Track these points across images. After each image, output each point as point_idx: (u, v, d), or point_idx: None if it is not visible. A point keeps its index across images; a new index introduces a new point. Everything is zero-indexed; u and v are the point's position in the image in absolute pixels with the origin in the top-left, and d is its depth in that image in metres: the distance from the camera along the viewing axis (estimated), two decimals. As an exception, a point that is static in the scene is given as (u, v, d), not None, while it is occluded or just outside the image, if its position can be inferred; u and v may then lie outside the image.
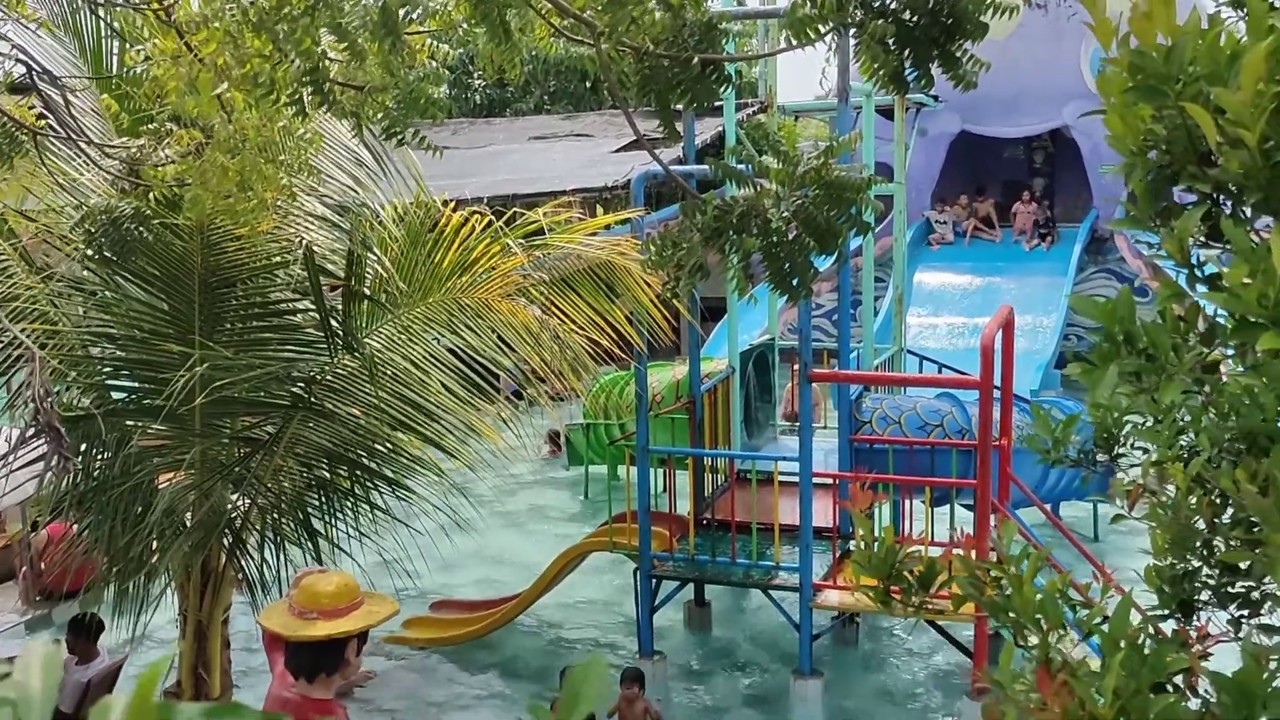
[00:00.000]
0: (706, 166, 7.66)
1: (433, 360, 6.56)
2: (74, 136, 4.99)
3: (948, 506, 9.02)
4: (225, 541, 6.63)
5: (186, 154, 4.01)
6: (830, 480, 9.32)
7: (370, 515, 6.69)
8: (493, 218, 6.57)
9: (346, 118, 3.93)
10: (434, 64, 4.30)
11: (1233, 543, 1.92)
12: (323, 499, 6.72)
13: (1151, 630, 2.09)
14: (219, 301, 6.45)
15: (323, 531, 6.69)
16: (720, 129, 14.64)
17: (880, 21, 3.68)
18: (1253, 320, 1.54)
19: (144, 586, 6.58)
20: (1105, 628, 1.82)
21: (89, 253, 5.45)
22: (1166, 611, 2.29)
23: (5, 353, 5.81)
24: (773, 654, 9.98)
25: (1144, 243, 17.72)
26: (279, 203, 5.42)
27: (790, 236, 3.99)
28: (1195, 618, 2.28)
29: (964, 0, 3.75)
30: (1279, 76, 1.59)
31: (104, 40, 6.82)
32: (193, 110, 3.59)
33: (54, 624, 10.50)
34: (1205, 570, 2.22)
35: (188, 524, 6.46)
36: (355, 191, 6.72)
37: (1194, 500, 1.92)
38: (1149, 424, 2.20)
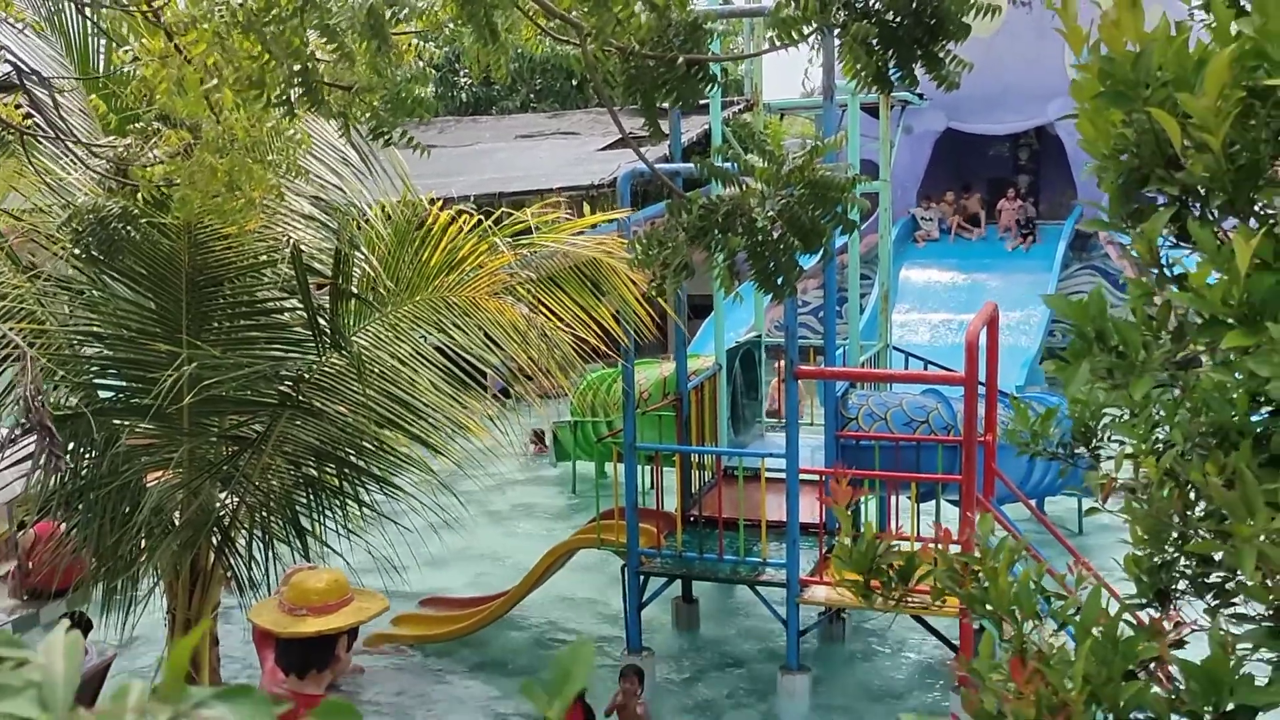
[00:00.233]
0: (692, 165, 7.70)
1: (420, 358, 6.59)
2: (61, 136, 5.00)
3: (933, 502, 9.09)
4: (214, 540, 6.64)
5: (175, 154, 4.03)
6: (817, 477, 9.37)
7: (359, 513, 6.72)
8: (481, 217, 6.59)
9: (334, 118, 3.95)
10: (420, 64, 4.32)
11: (1204, 534, 1.96)
12: (311, 497, 6.74)
13: (1131, 619, 2.13)
14: (206, 300, 6.46)
15: (311, 530, 6.71)
16: (706, 127, 14.67)
17: (863, 22, 3.72)
18: (1220, 319, 1.58)
19: (132, 585, 6.60)
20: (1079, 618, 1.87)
21: (76, 252, 5.47)
22: (1144, 600, 2.34)
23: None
24: (760, 650, 10.03)
25: (1118, 243, 17.85)
26: (266, 202, 5.44)
27: (775, 235, 4.03)
28: (1172, 607, 2.33)
29: (946, 1, 3.80)
30: (1244, 82, 1.64)
31: (89, 39, 6.83)
32: (182, 111, 3.61)
33: (41, 623, 10.49)
34: (1182, 560, 2.27)
35: (176, 523, 6.47)
36: (342, 190, 6.74)
37: (1166, 493, 1.96)
38: (1125, 418, 2.25)
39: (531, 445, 16.32)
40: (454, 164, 18.00)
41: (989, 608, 2.01)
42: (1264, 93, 1.64)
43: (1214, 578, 2.24)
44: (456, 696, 9.48)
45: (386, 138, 4.13)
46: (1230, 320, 1.57)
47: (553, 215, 7.05)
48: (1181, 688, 1.77)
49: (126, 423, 6.42)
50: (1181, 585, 2.32)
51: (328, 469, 6.73)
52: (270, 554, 6.67)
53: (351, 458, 6.70)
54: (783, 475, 8.89)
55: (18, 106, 5.12)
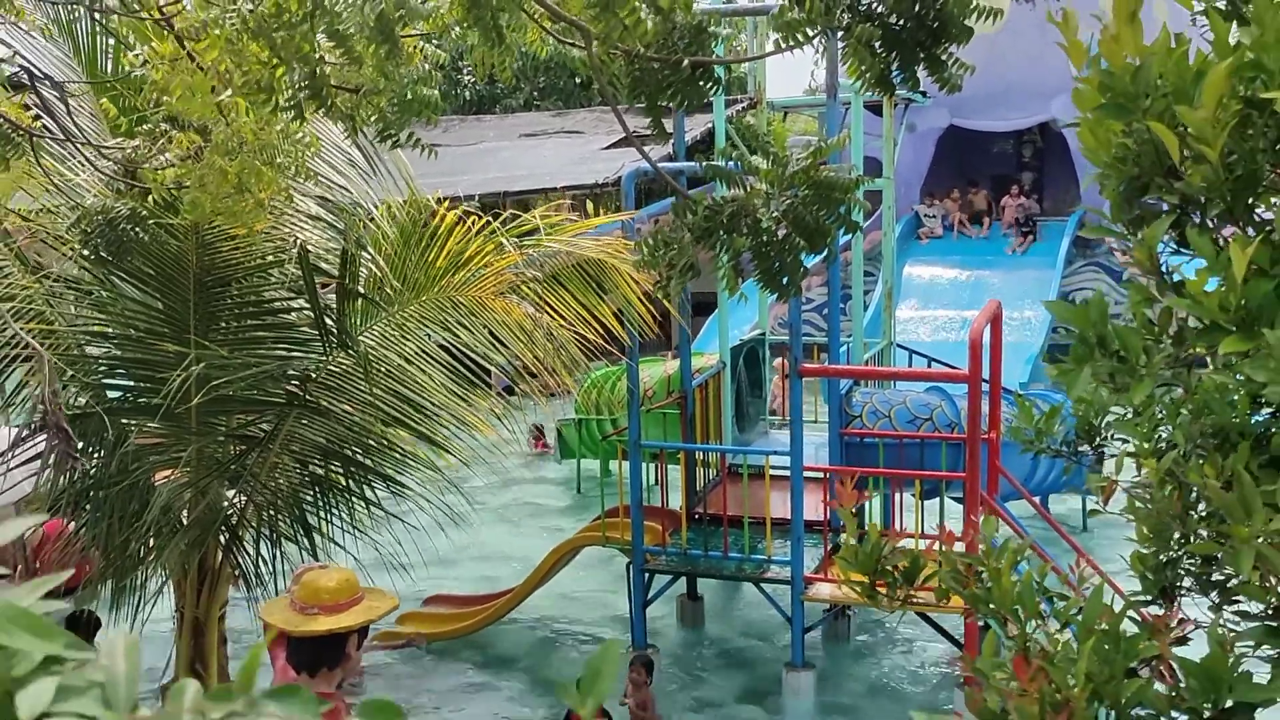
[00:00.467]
0: (696, 164, 7.73)
1: (426, 357, 6.63)
2: (71, 139, 5.04)
3: (938, 500, 9.12)
4: (222, 538, 6.68)
5: (186, 158, 4.07)
6: (821, 474, 9.40)
7: (366, 511, 6.75)
8: (489, 219, 6.63)
9: (342, 121, 3.99)
10: (426, 66, 4.36)
11: (1204, 534, 1.99)
12: (318, 495, 6.78)
13: (1136, 616, 2.16)
14: (214, 300, 6.50)
15: (318, 527, 6.75)
16: (709, 125, 14.70)
17: (867, 25, 3.75)
18: (1218, 324, 1.61)
19: (141, 584, 6.64)
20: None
21: (85, 253, 5.51)
22: (1149, 598, 2.37)
23: (0, 352, 5.85)
24: (765, 647, 10.06)
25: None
26: (274, 203, 5.47)
27: (780, 236, 4.06)
28: (1176, 604, 2.36)
29: (949, 4, 3.83)
30: (1242, 92, 1.67)
31: (96, 39, 6.87)
32: (194, 114, 3.64)
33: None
34: (1186, 558, 2.30)
35: (184, 521, 6.51)
36: (348, 191, 6.77)
37: (1167, 493, 2.00)
38: (1128, 417, 2.28)
39: (532, 442, 16.33)
40: (458, 163, 18.03)
41: (993, 607, 2.04)
42: (1261, 103, 1.67)
43: (1217, 576, 2.28)
44: (461, 693, 9.52)
45: (394, 139, 4.17)
46: (1228, 326, 1.60)
47: (559, 217, 7.09)
48: (1182, 685, 1.80)
49: (135, 422, 6.46)
50: (1186, 582, 2.36)
51: (335, 467, 6.77)
52: (278, 552, 6.71)
53: (358, 456, 6.74)
54: (787, 473, 8.92)
55: (26, 108, 5.16)
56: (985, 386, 8.63)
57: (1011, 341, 14.40)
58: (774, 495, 9.07)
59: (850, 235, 4.55)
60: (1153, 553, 2.28)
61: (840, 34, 3.86)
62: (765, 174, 4.09)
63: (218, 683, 6.88)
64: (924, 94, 13.92)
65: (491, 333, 6.71)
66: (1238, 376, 1.87)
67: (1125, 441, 2.37)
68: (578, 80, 25.74)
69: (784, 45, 3.88)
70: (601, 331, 7.17)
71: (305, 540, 6.71)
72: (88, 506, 6.49)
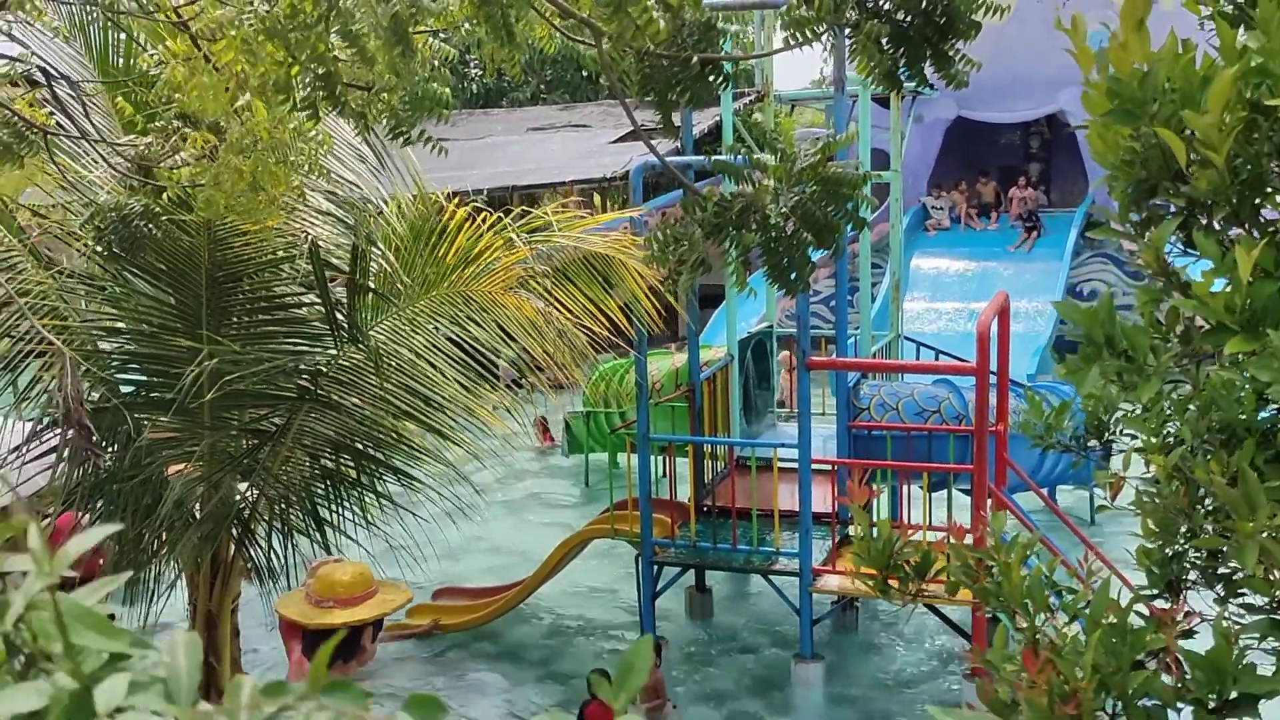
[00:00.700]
0: (704, 157, 7.74)
1: (436, 350, 6.66)
2: (85, 136, 5.08)
3: (945, 491, 9.14)
4: (234, 532, 6.73)
5: (201, 157, 4.11)
6: (829, 467, 9.43)
7: (376, 504, 6.80)
8: (500, 215, 6.67)
9: (354, 119, 4.02)
10: (436, 63, 4.38)
11: (1210, 528, 2.03)
12: (329, 489, 6.83)
13: (1144, 609, 2.20)
14: (226, 296, 6.54)
15: (330, 520, 6.80)
16: (717, 119, 14.71)
17: (875, 22, 3.78)
18: (1224, 325, 1.64)
19: (155, 577, 6.69)
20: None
21: (98, 249, 5.55)
22: (1155, 591, 2.40)
23: (16, 347, 5.90)
24: (774, 638, 10.10)
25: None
26: (285, 199, 5.51)
27: (789, 232, 4.09)
28: (1182, 597, 2.39)
29: (956, 0, 3.85)
30: (1249, 96, 1.69)
31: (108, 34, 6.90)
32: (210, 113, 3.68)
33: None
34: (1192, 552, 2.33)
35: (197, 515, 6.56)
36: (358, 187, 6.81)
37: (1174, 488, 2.03)
38: (1137, 412, 2.31)
39: (538, 436, 16.35)
40: (466, 157, 18.06)
41: (1003, 601, 2.08)
42: (1267, 108, 1.70)
43: (1222, 570, 2.31)
44: (472, 686, 9.57)
45: (405, 137, 4.19)
46: (1234, 326, 1.63)
47: (569, 214, 7.12)
48: (1187, 677, 1.84)
49: (149, 417, 6.50)
50: (1192, 576, 2.39)
51: (346, 461, 6.81)
52: (290, 545, 6.76)
53: (369, 449, 6.78)
54: (795, 465, 8.95)
55: (42, 105, 5.20)
56: (993, 379, 8.65)
57: (1019, 333, 14.43)
58: (782, 488, 9.10)
59: (858, 232, 4.58)
60: (1158, 547, 2.31)
61: (848, 31, 3.88)
62: (773, 170, 4.12)
63: (230, 675, 6.94)
64: (931, 86, 13.91)
65: (500, 326, 6.74)
66: (1244, 373, 1.90)
67: (1133, 437, 2.40)
68: (585, 73, 25.76)
69: (792, 42, 3.91)
70: (608, 325, 7.21)
71: (317, 533, 6.76)
72: (101, 501, 6.53)
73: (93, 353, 6.57)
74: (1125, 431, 2.59)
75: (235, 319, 6.64)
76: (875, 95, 11.96)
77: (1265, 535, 1.68)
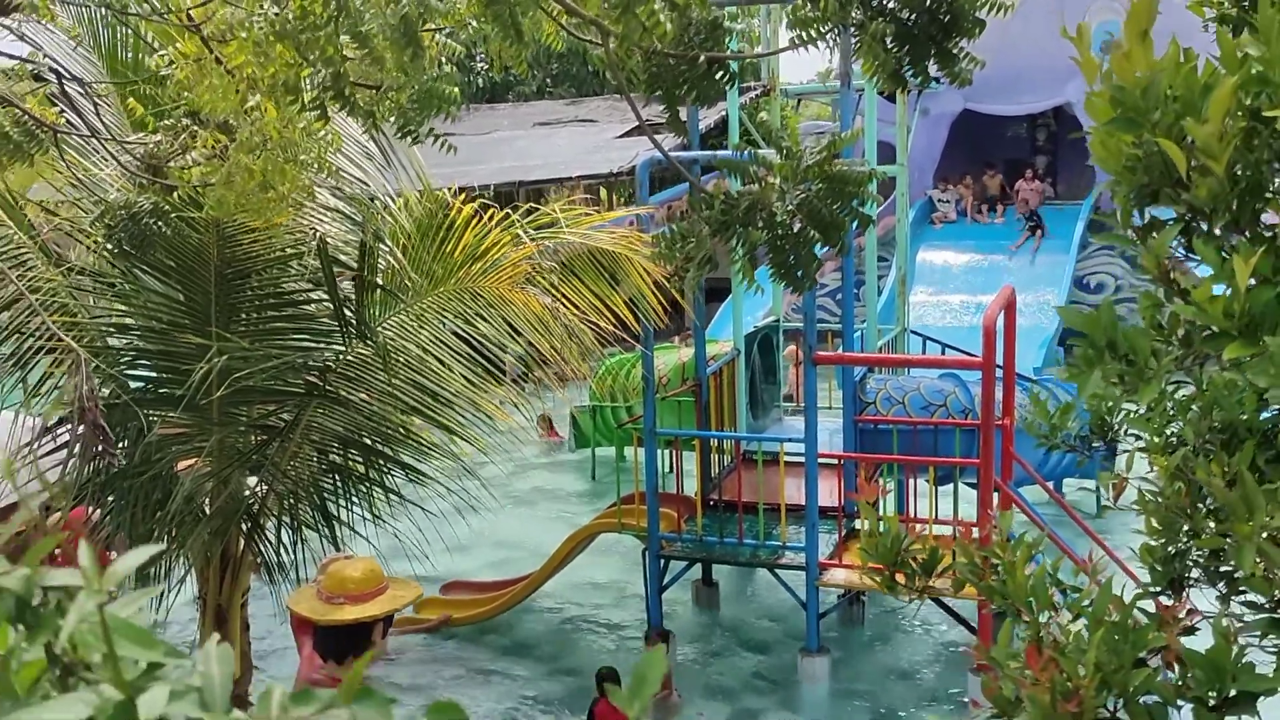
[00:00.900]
0: (710, 152, 7.76)
1: (443, 345, 6.70)
2: (95, 135, 5.11)
3: (952, 485, 9.17)
4: (244, 527, 6.77)
5: (212, 156, 4.14)
6: (835, 461, 9.45)
7: (384, 499, 6.84)
8: (509, 211, 6.70)
9: (362, 118, 4.05)
10: (445, 61, 4.41)
11: (1212, 526, 2.05)
12: (337, 483, 6.87)
13: (1149, 607, 2.22)
14: (235, 292, 6.57)
15: (338, 515, 6.84)
16: (723, 113, 14.71)
17: (880, 21, 3.80)
18: (1223, 330, 1.67)
19: (165, 572, 6.73)
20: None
21: (109, 246, 5.58)
22: (1159, 589, 2.43)
23: (26, 343, 5.94)
24: (780, 632, 10.14)
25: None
26: (294, 196, 5.53)
27: (795, 229, 4.11)
28: (1185, 595, 2.42)
29: (961, -1, 3.87)
30: (1249, 104, 1.72)
31: (116, 32, 6.93)
32: (222, 113, 3.71)
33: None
34: (1194, 550, 2.36)
35: (207, 510, 6.61)
36: (366, 184, 6.84)
37: (1175, 489, 2.05)
38: (1140, 413, 2.33)
39: (543, 434, 16.35)
40: (473, 152, 18.09)
41: (1007, 600, 2.11)
42: (1267, 116, 1.72)
43: (1225, 568, 2.33)
44: (481, 679, 9.62)
45: (414, 135, 4.22)
46: (1232, 332, 1.66)
47: (577, 211, 7.15)
48: (1188, 674, 1.86)
49: (158, 413, 6.54)
50: (1195, 574, 2.41)
51: (354, 456, 6.85)
52: (299, 540, 6.80)
53: (377, 445, 6.82)
54: (801, 459, 8.98)
55: (52, 104, 5.23)
56: (1000, 373, 8.67)
57: (1025, 326, 14.42)
58: (789, 481, 9.13)
59: (863, 230, 4.60)
60: (1161, 545, 2.34)
61: (853, 30, 3.90)
62: (779, 168, 4.14)
63: (240, 669, 6.98)
64: (937, 80, 13.91)
65: (507, 322, 6.77)
66: (1245, 375, 1.92)
67: (1137, 437, 2.43)
68: (591, 67, 25.75)
69: (798, 41, 3.92)
70: (613, 320, 7.24)
71: (325, 528, 6.80)
72: (112, 496, 6.58)
73: (102, 349, 6.61)
74: (1129, 431, 2.62)
75: (244, 315, 6.68)
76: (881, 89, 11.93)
77: (1264, 536, 1.71)
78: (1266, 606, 1.99)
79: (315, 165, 4.30)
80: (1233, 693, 1.78)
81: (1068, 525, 9.51)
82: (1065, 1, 18.16)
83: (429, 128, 4.24)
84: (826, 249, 4.37)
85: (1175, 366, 1.77)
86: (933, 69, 4.03)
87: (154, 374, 6.90)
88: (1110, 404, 2.58)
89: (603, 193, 19.85)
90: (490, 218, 6.72)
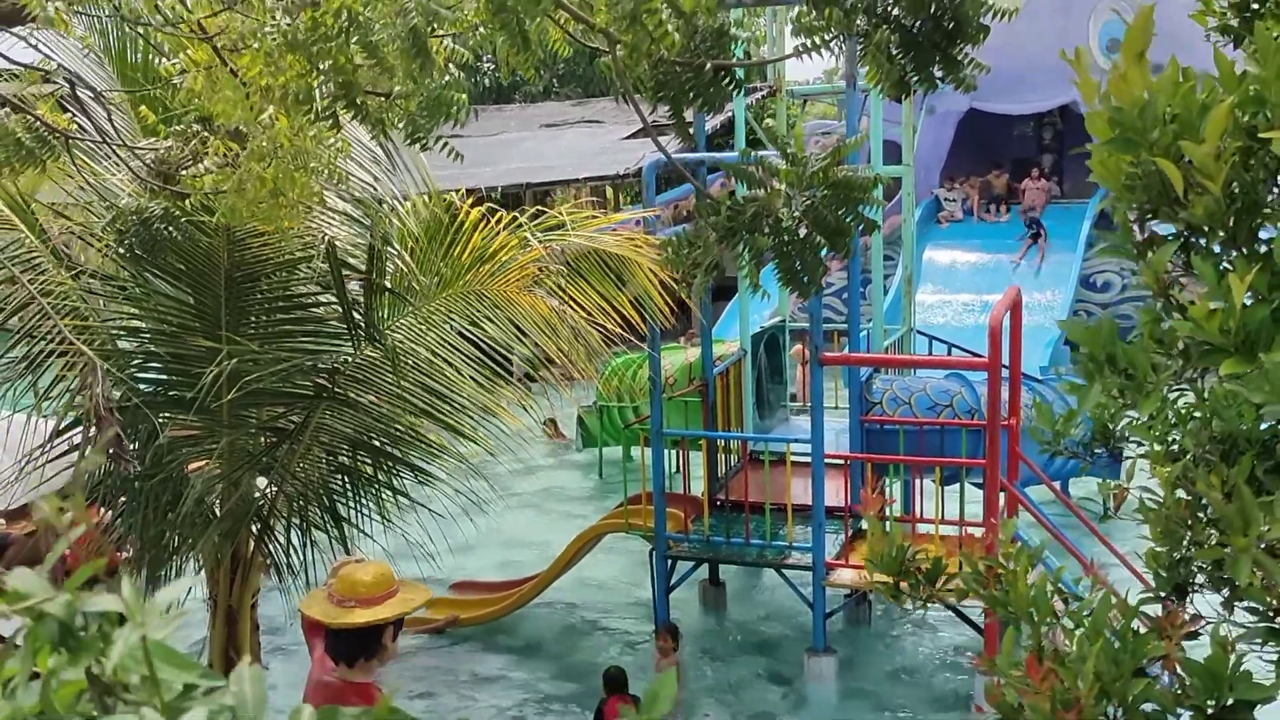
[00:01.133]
0: (715, 154, 7.79)
1: (450, 348, 6.74)
2: (107, 140, 5.15)
3: (958, 485, 9.18)
4: (254, 528, 6.82)
5: (224, 164, 4.18)
6: (842, 461, 9.48)
7: (393, 500, 6.88)
8: (516, 214, 6.73)
9: (372, 125, 4.08)
10: (453, 68, 4.44)
11: (1213, 534, 2.08)
12: (346, 485, 6.91)
13: (1154, 610, 2.25)
14: (244, 296, 6.62)
15: (347, 517, 6.88)
16: (730, 115, 14.74)
17: (884, 29, 3.82)
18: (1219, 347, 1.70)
19: (176, 573, 6.78)
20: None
21: (120, 251, 5.63)
22: (1163, 594, 2.46)
23: (38, 346, 5.98)
24: (787, 632, 10.17)
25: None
26: (304, 202, 5.57)
27: (801, 235, 4.14)
28: (1189, 600, 2.45)
29: (965, 4, 3.89)
30: (1246, 123, 1.75)
31: (126, 38, 6.97)
32: (235, 121, 3.75)
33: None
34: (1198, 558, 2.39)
35: (217, 512, 6.65)
36: (374, 188, 6.88)
37: (1176, 498, 2.08)
38: (1143, 421, 2.36)
39: (547, 432, 16.35)
40: (480, 154, 18.12)
41: (1010, 610, 2.14)
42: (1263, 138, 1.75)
43: (1227, 575, 2.36)
44: (488, 679, 9.66)
45: (423, 142, 4.26)
46: (1228, 348, 1.69)
47: (584, 214, 7.19)
48: (1187, 683, 1.90)
49: (169, 415, 6.59)
50: (1199, 579, 2.44)
51: (363, 457, 6.89)
52: (309, 541, 6.85)
53: (385, 446, 6.86)
54: (808, 459, 9.01)
55: (63, 110, 5.27)
56: (1005, 373, 8.69)
57: (1031, 325, 14.42)
58: (795, 482, 9.16)
59: (868, 235, 4.64)
60: (1165, 550, 2.37)
61: (859, 37, 3.93)
62: (785, 174, 4.17)
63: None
64: (943, 80, 13.90)
65: (514, 323, 6.81)
66: (1246, 387, 1.95)
67: (1139, 444, 2.46)
68: (597, 71, 25.75)
69: (803, 49, 3.95)
70: (619, 321, 7.27)
71: (335, 529, 6.84)
72: (123, 498, 6.63)
73: (113, 352, 6.66)
74: (1132, 439, 2.65)
75: (254, 319, 6.73)
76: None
77: (1261, 548, 1.74)
78: (1267, 614, 2.02)
79: (325, 172, 4.33)
80: (1230, 701, 1.81)
81: (1075, 525, 9.53)
82: (1072, 1, 18.14)
83: (438, 134, 4.27)
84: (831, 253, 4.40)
85: (1174, 380, 1.80)
86: (937, 75, 4.06)
87: (164, 377, 6.94)
88: (1113, 411, 2.61)
89: (609, 193, 19.89)
90: (497, 220, 6.76)
